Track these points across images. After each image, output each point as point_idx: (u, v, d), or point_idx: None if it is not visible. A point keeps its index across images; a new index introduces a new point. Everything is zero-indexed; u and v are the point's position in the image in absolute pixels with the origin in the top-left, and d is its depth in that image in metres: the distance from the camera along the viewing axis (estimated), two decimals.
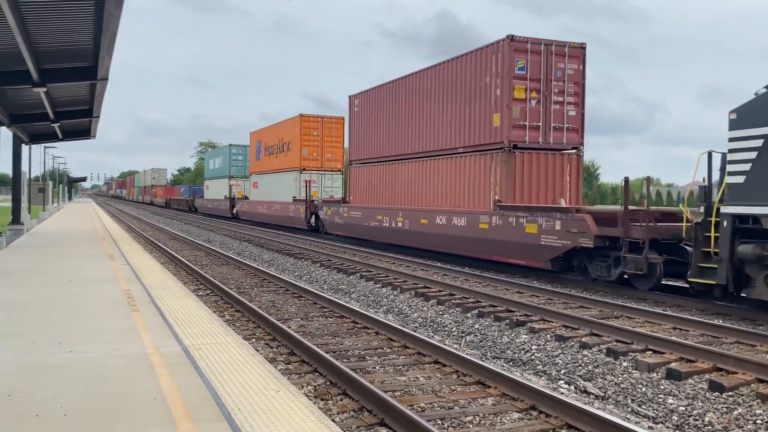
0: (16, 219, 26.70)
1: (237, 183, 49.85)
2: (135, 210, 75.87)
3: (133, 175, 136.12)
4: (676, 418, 6.87)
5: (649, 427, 6.63)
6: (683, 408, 7.09)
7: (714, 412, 6.93)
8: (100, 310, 8.77)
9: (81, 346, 6.73)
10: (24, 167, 29.47)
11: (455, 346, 10.00)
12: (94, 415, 4.69)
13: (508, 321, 11.19)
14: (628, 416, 7.00)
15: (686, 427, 6.68)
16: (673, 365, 8.33)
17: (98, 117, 23.10)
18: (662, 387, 7.75)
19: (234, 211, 46.58)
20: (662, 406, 7.20)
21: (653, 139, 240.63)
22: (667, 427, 6.73)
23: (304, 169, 35.57)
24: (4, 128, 21.41)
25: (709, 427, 6.59)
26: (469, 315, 12.02)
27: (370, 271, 17.72)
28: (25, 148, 30.09)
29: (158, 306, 9.13)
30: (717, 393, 7.49)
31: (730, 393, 7.47)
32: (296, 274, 18.28)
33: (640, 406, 7.29)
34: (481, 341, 10.31)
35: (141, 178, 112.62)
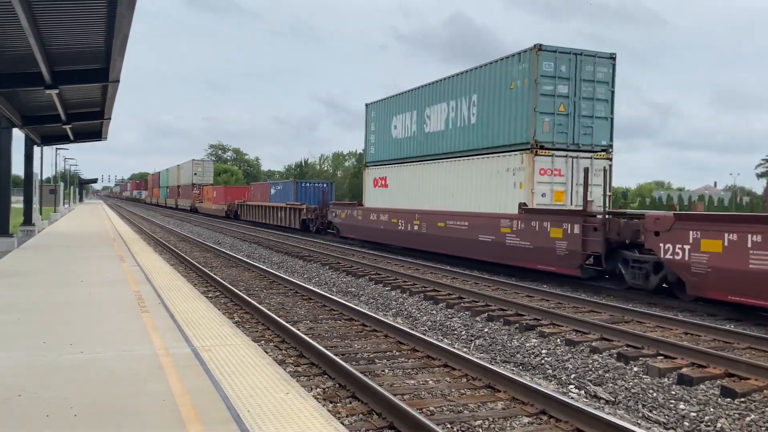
0: (27, 220, 26.86)
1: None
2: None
3: (156, 173, 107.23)
4: (687, 424, 6.81)
5: None
6: (695, 414, 7.03)
7: (726, 418, 6.87)
8: (110, 312, 8.80)
9: (91, 347, 6.75)
10: (36, 168, 29.65)
11: (464, 349, 9.97)
12: (103, 416, 4.69)
13: (517, 325, 11.14)
14: (638, 421, 6.94)
15: None
16: (684, 370, 8.26)
17: (109, 119, 23.22)
18: (673, 392, 7.69)
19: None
20: (673, 412, 7.15)
21: (666, 143, 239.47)
22: None
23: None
24: (16, 130, 21.53)
25: None
26: (478, 318, 11.98)
27: (379, 274, 17.70)
28: (36, 149, 30.31)
29: (168, 307, 9.15)
30: (729, 399, 7.41)
31: (743, 399, 7.39)
32: (305, 276, 18.29)
33: (651, 411, 7.24)
34: (490, 345, 10.27)
35: (171, 176, 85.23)
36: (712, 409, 7.12)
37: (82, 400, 5.02)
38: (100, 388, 5.34)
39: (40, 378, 5.60)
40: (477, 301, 13.42)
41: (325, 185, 42.86)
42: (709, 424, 6.75)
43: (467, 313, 12.45)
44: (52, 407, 4.85)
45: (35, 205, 30.71)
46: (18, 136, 23.47)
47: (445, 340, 10.67)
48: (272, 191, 45.63)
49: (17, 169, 29.83)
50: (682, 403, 7.37)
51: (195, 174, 70.60)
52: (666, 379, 8.16)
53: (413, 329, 10.93)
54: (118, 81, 15.00)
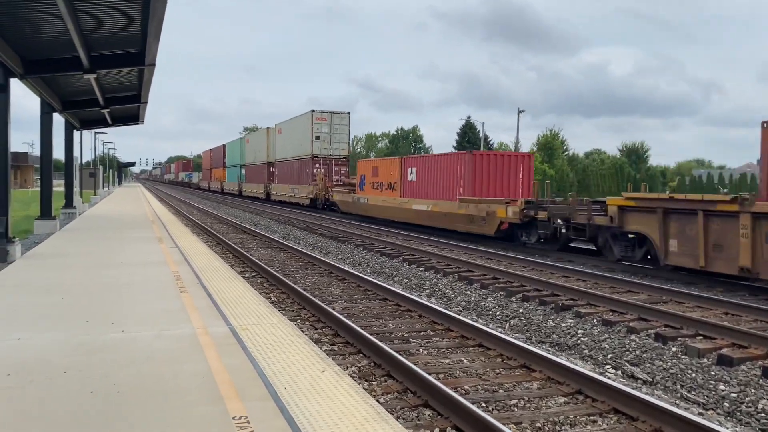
0: (68, 203, 27.50)
1: None
2: None
3: (219, 147, 75.48)
4: (727, 405, 6.71)
5: (700, 413, 6.49)
6: (735, 394, 6.92)
7: None
8: (150, 292, 8.98)
9: (132, 326, 6.91)
10: (75, 152, 30.27)
11: (499, 329, 9.95)
12: (145, 393, 4.81)
13: (553, 305, 11.07)
14: (677, 402, 6.87)
15: (738, 413, 6.53)
16: (724, 351, 8.12)
17: (146, 102, 23.51)
18: (713, 373, 7.58)
19: None
20: (713, 393, 7.05)
21: (707, 121, 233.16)
22: (718, 414, 6.58)
23: None
24: (56, 114, 21.97)
25: (763, 414, 6.43)
26: (513, 299, 11.93)
27: (413, 255, 17.72)
28: (76, 133, 30.91)
29: (206, 287, 9.30)
30: None
31: None
32: (340, 257, 18.40)
33: (689, 392, 7.15)
34: (525, 325, 10.23)
35: (251, 149, 56.59)
36: (753, 390, 7.00)
37: (124, 378, 5.15)
38: (142, 366, 5.47)
39: (83, 356, 5.76)
40: (512, 282, 13.36)
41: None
42: (749, 405, 6.65)
43: (502, 293, 12.40)
44: (96, 384, 4.99)
45: (76, 189, 31.38)
46: (58, 120, 23.97)
47: (480, 320, 10.66)
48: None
49: (58, 153, 30.48)
50: (721, 383, 7.26)
51: (317, 137, 39.97)
52: (705, 360, 8.04)
53: (447, 309, 10.94)
54: (153, 65, 15.15)
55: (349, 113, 41.52)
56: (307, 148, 40.36)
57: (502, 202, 20.18)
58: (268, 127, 51.81)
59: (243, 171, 60.28)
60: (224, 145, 71.88)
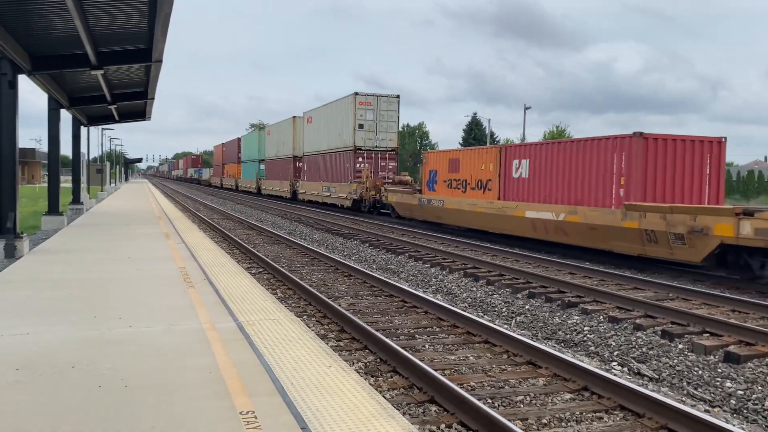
0: (76, 199, 27.59)
1: None
2: None
3: (233, 141, 69.43)
4: (734, 402, 6.70)
5: (706, 410, 6.48)
6: (742, 392, 6.91)
7: None
8: (157, 287, 9.02)
9: (140, 321, 6.94)
10: (83, 149, 30.34)
11: (505, 326, 9.95)
12: (153, 388, 4.84)
13: (559, 302, 11.06)
14: (683, 399, 6.86)
15: (745, 411, 6.51)
16: (731, 348, 8.11)
17: (153, 99, 23.55)
18: (720, 370, 7.56)
19: None
20: (720, 390, 7.04)
21: (714, 117, 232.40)
22: (725, 411, 6.57)
23: None
24: (64, 111, 22.05)
25: None
26: (519, 296, 11.92)
27: (419, 251, 17.72)
28: (83, 130, 30.99)
29: (213, 283, 9.33)
30: None
31: None
32: (345, 253, 18.42)
33: (696, 389, 7.14)
34: (531, 322, 10.23)
35: (273, 142, 50.51)
36: (760, 387, 6.99)
37: (132, 372, 5.18)
38: (149, 361, 5.50)
39: (91, 351, 5.79)
40: (518, 278, 13.35)
41: None
42: (756, 402, 6.63)
43: (508, 290, 12.40)
44: (104, 379, 5.02)
45: (83, 185, 31.49)
46: (66, 117, 24.05)
47: (486, 316, 10.67)
48: None
49: (65, 149, 30.62)
50: (728, 381, 7.24)
51: (360, 126, 33.37)
52: (712, 357, 8.02)
53: (453, 306, 10.94)
54: (160, 61, 15.19)
55: (398, 96, 34.02)
56: (348, 138, 33.72)
57: (721, 212, 13.25)
58: (294, 116, 45.16)
59: (262, 166, 54.58)
60: (239, 139, 66.35)
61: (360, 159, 33.29)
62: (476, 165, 22.85)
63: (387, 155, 33.88)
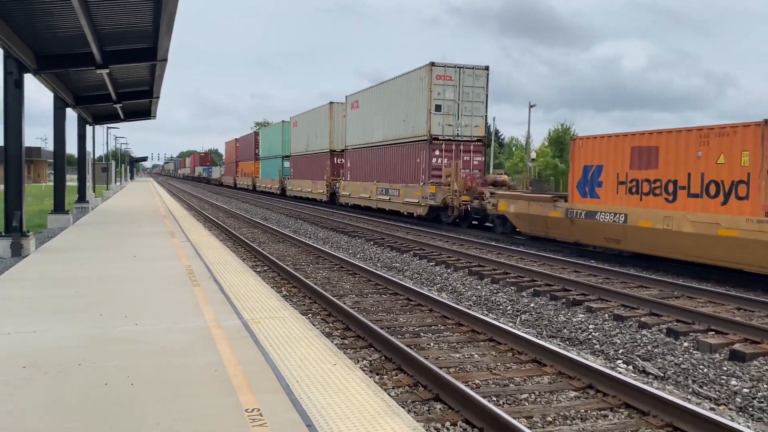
0: (81, 197, 27.69)
1: None
2: None
3: (249, 135, 63.85)
4: (739, 400, 6.69)
5: (711, 408, 6.48)
6: (747, 390, 6.90)
7: None
8: (162, 285, 9.05)
9: (145, 319, 6.97)
10: (88, 147, 30.43)
11: (510, 324, 9.95)
12: (159, 385, 4.86)
13: (564, 300, 11.05)
14: (688, 397, 6.85)
15: (750, 409, 6.51)
16: (737, 346, 8.09)
17: (158, 97, 23.63)
18: (725, 368, 7.55)
19: None
20: (725, 388, 7.03)
21: (720, 115, 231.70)
22: (730, 409, 6.57)
23: None
24: (69, 109, 22.13)
25: None
26: (524, 294, 11.92)
27: (423, 250, 17.73)
28: (89, 129, 31.09)
29: (218, 281, 9.36)
30: None
31: None
32: (350, 251, 18.43)
33: (701, 387, 7.13)
34: (536, 320, 10.22)
35: (301, 134, 43.51)
36: (765, 386, 6.97)
37: (138, 370, 5.20)
38: (155, 359, 5.52)
39: (98, 348, 5.82)
40: (523, 276, 13.35)
41: None
42: (762, 400, 6.62)
43: (513, 288, 12.39)
44: (110, 376, 5.04)
45: (89, 183, 31.57)
46: (71, 115, 24.14)
47: (491, 314, 10.67)
48: None
49: (71, 148, 30.70)
50: (734, 379, 7.24)
51: (437, 108, 24.96)
52: (717, 355, 8.01)
53: (458, 304, 10.94)
54: (165, 60, 15.22)
55: (487, 68, 25.51)
56: (420, 125, 25.47)
57: None
58: (331, 102, 37.45)
59: (287, 164, 47.05)
60: (256, 133, 59.70)
61: (437, 152, 25.09)
62: (705, 156, 13.71)
63: (472, 147, 25.54)
